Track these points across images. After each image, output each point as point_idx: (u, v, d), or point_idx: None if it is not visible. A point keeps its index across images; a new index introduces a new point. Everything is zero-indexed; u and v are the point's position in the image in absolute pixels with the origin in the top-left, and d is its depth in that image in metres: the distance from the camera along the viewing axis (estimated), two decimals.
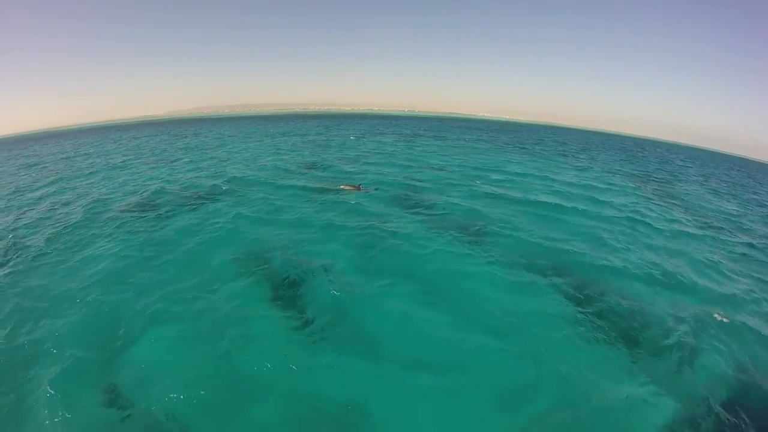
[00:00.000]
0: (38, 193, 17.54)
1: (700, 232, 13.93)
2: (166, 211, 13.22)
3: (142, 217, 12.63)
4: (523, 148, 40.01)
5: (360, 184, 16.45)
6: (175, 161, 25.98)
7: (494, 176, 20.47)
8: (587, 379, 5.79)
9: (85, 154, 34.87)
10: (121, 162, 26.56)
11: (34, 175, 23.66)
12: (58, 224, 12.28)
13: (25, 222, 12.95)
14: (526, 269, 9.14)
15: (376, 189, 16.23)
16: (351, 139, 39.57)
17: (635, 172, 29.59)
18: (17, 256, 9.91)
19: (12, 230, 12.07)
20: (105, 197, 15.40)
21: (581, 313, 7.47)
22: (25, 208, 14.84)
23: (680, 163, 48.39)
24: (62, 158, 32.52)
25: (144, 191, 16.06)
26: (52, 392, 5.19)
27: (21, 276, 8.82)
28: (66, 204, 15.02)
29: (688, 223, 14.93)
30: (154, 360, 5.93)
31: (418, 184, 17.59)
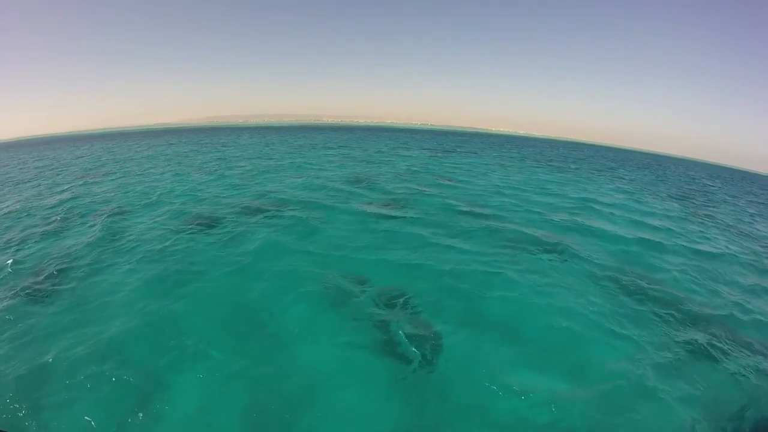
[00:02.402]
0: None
1: None
2: (217, 231, 12.52)
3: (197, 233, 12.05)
4: (551, 164, 39.69)
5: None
6: (211, 172, 25.64)
7: (538, 197, 19.92)
8: None
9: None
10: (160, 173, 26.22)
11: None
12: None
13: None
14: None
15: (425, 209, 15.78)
16: (383, 152, 39.41)
17: (674, 193, 29.09)
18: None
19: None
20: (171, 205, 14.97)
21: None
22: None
23: (709, 182, 47.78)
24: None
25: (187, 207, 15.75)
26: None
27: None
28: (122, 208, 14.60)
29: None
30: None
31: (470, 203, 17.40)
